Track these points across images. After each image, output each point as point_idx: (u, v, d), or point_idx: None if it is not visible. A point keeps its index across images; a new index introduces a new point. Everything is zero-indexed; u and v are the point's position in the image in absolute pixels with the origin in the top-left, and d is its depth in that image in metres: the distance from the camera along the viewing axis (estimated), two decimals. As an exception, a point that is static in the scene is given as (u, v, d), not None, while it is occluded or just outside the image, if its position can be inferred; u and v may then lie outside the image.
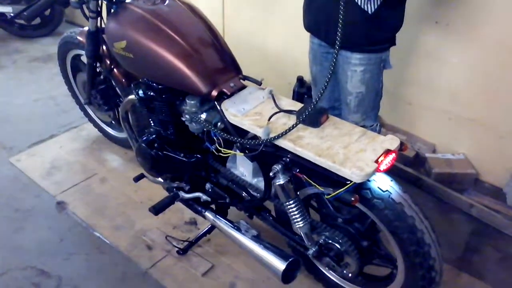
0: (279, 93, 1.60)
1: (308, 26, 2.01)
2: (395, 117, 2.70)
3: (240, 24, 3.18)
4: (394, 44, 1.90)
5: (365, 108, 1.97)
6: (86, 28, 2.14)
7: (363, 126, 2.00)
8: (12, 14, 4.03)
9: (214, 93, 1.56)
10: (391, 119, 2.73)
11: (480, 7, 2.10)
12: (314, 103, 1.34)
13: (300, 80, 2.88)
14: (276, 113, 1.48)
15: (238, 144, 1.50)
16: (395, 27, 1.84)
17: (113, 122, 2.57)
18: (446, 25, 2.24)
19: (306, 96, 2.85)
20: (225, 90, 1.57)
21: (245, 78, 1.67)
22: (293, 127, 1.36)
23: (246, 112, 1.51)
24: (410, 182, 2.51)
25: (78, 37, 2.29)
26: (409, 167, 2.55)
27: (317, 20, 1.91)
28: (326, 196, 1.36)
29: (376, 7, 1.71)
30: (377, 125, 2.07)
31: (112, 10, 1.77)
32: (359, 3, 1.71)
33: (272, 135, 1.37)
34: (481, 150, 2.45)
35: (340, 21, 1.26)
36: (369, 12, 1.72)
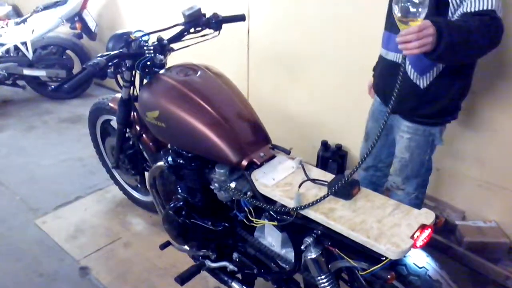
0: (302, 156, 1.62)
1: (374, 86, 2.09)
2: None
3: (264, 88, 3.27)
4: (448, 121, 1.90)
5: (407, 174, 1.98)
6: (118, 95, 2.22)
7: (402, 190, 2.02)
8: (52, 86, 4.41)
9: (244, 162, 1.57)
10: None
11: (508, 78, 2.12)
12: (355, 170, 1.31)
13: (324, 144, 2.91)
14: (305, 181, 1.48)
15: (269, 213, 1.48)
16: (445, 107, 1.81)
17: (138, 185, 2.59)
18: (473, 93, 2.25)
19: (330, 160, 2.85)
20: (255, 160, 1.58)
21: (275, 147, 1.69)
22: (327, 195, 1.35)
23: (276, 182, 1.50)
24: (440, 251, 2.42)
25: (110, 104, 2.37)
26: (438, 234, 2.47)
27: (378, 83, 2.01)
28: (360, 273, 1.31)
29: (429, 83, 1.74)
30: (415, 195, 2.04)
31: (146, 81, 1.84)
32: (411, 77, 1.75)
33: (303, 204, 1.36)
34: (514, 218, 2.38)
35: (396, 90, 1.26)
36: (421, 87, 1.76)
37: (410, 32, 1.29)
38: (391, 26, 1.80)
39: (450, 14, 1.59)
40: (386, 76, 1.89)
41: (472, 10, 1.51)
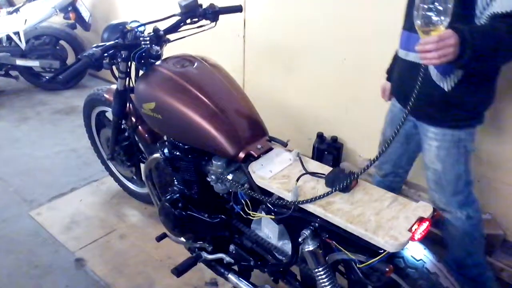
0: (298, 147, 1.60)
1: (392, 91, 1.96)
2: (417, 174, 2.67)
3: (260, 80, 3.25)
4: (479, 123, 1.73)
5: (443, 190, 1.80)
6: (113, 87, 2.20)
7: (444, 210, 1.86)
8: (46, 77, 4.32)
9: (241, 155, 1.56)
10: (413, 176, 2.69)
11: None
12: (363, 170, 1.28)
13: (320, 136, 2.90)
14: (303, 174, 1.47)
15: (267, 205, 1.47)
16: (475, 107, 1.67)
17: (134, 177, 2.58)
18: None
19: (326, 152, 2.85)
20: (252, 152, 1.57)
21: (272, 139, 1.68)
22: (330, 192, 1.34)
23: (274, 174, 1.49)
24: (434, 242, 2.43)
25: (105, 95, 2.34)
26: (433, 227, 2.48)
27: (397, 87, 1.88)
28: (358, 265, 1.31)
29: (453, 85, 1.60)
30: (465, 216, 1.83)
31: (142, 72, 1.82)
32: (434, 79, 1.62)
33: (301, 199, 1.35)
34: (509, 210, 2.39)
35: (415, 91, 1.20)
36: (445, 89, 1.62)
37: (429, 41, 1.23)
38: (410, 25, 1.65)
39: (478, 13, 1.44)
40: (407, 79, 1.72)
41: (503, 11, 1.37)
